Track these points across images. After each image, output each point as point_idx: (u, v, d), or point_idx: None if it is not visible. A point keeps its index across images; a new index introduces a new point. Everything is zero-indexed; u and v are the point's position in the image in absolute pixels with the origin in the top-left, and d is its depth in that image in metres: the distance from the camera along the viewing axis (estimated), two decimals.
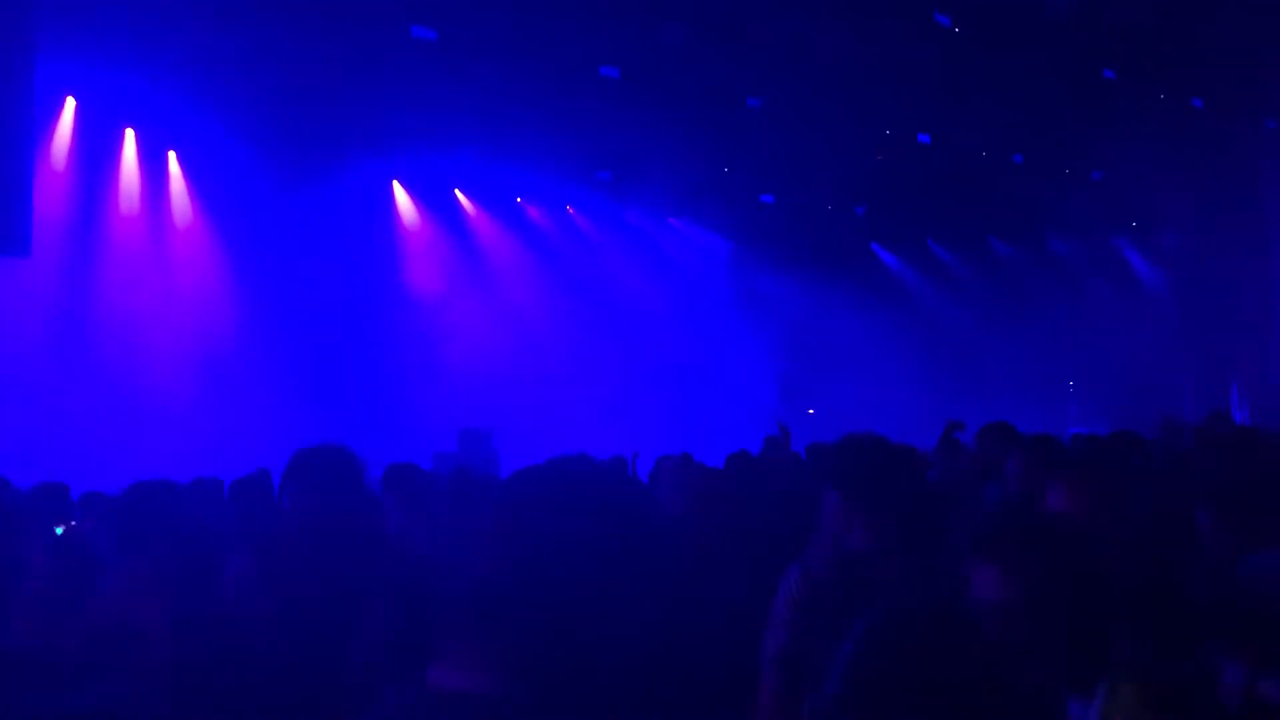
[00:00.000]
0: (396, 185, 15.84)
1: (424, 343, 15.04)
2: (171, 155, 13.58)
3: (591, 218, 17.79)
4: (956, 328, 19.10)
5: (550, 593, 1.35)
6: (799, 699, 2.76)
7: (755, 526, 3.99)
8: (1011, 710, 1.54)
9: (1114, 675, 1.90)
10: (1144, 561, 2.79)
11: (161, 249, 13.46)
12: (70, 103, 12.37)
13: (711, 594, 3.46)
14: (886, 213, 18.62)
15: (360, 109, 13.04)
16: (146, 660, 2.77)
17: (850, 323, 17.51)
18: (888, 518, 2.89)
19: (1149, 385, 16.24)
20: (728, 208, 17.82)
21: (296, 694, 2.69)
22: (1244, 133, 15.44)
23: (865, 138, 15.46)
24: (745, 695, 2.93)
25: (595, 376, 15.94)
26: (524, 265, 16.84)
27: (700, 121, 14.15)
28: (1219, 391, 16.40)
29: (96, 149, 12.77)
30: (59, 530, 5.07)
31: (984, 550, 1.98)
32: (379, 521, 3.60)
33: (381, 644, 2.72)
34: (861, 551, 2.88)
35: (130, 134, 13.14)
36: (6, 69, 9.56)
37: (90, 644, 2.81)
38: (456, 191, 16.48)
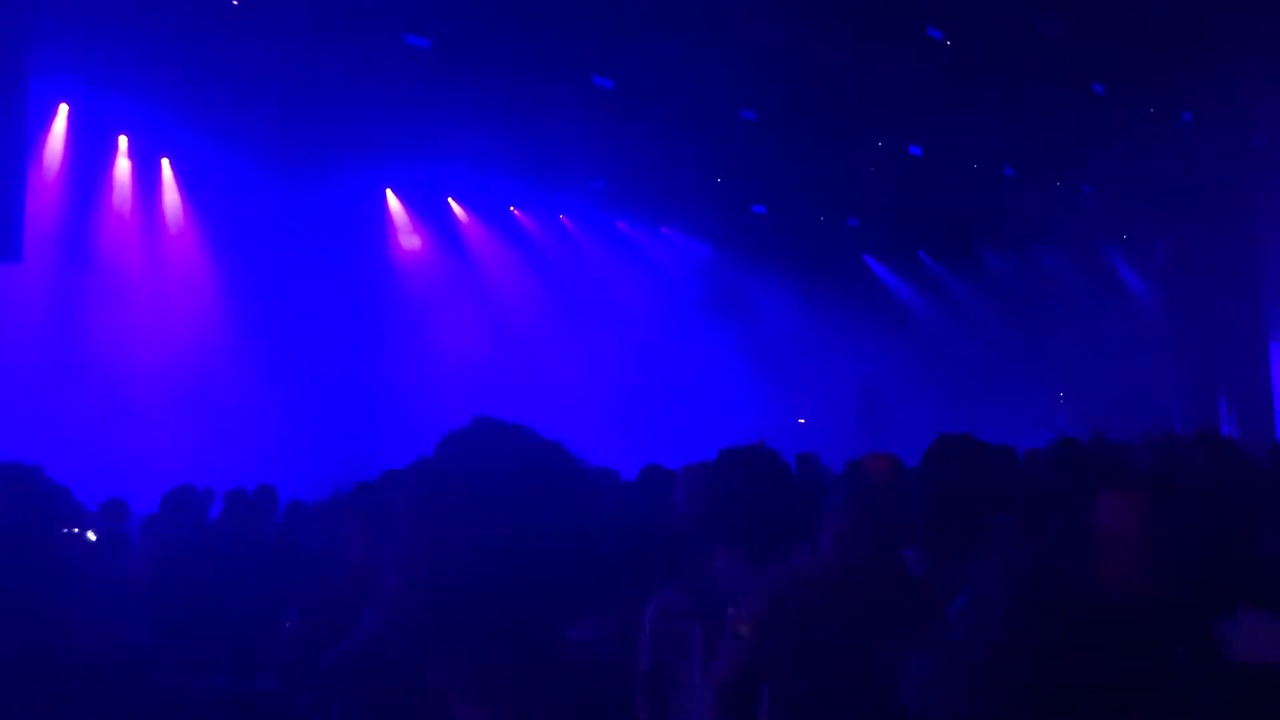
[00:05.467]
0: (390, 194, 15.85)
1: (417, 351, 15.04)
2: (164, 162, 13.57)
3: (584, 227, 17.82)
4: (947, 338, 19.16)
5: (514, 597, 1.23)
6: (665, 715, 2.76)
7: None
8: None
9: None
10: None
11: (154, 255, 13.44)
12: (63, 109, 12.36)
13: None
14: (878, 224, 18.67)
15: (354, 117, 13.05)
16: None
17: (841, 333, 17.54)
18: (754, 542, 2.77)
19: (1138, 397, 16.29)
20: (720, 218, 17.86)
21: None
22: (1233, 147, 15.52)
23: (857, 150, 15.51)
24: None
25: (588, 385, 15.95)
26: (517, 274, 16.86)
27: (693, 132, 14.19)
28: (1207, 404, 16.47)
29: (89, 155, 12.76)
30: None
31: (1120, 481, 2.19)
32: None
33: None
34: (722, 578, 2.81)
35: (123, 140, 13.14)
36: None
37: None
38: (450, 200, 16.50)
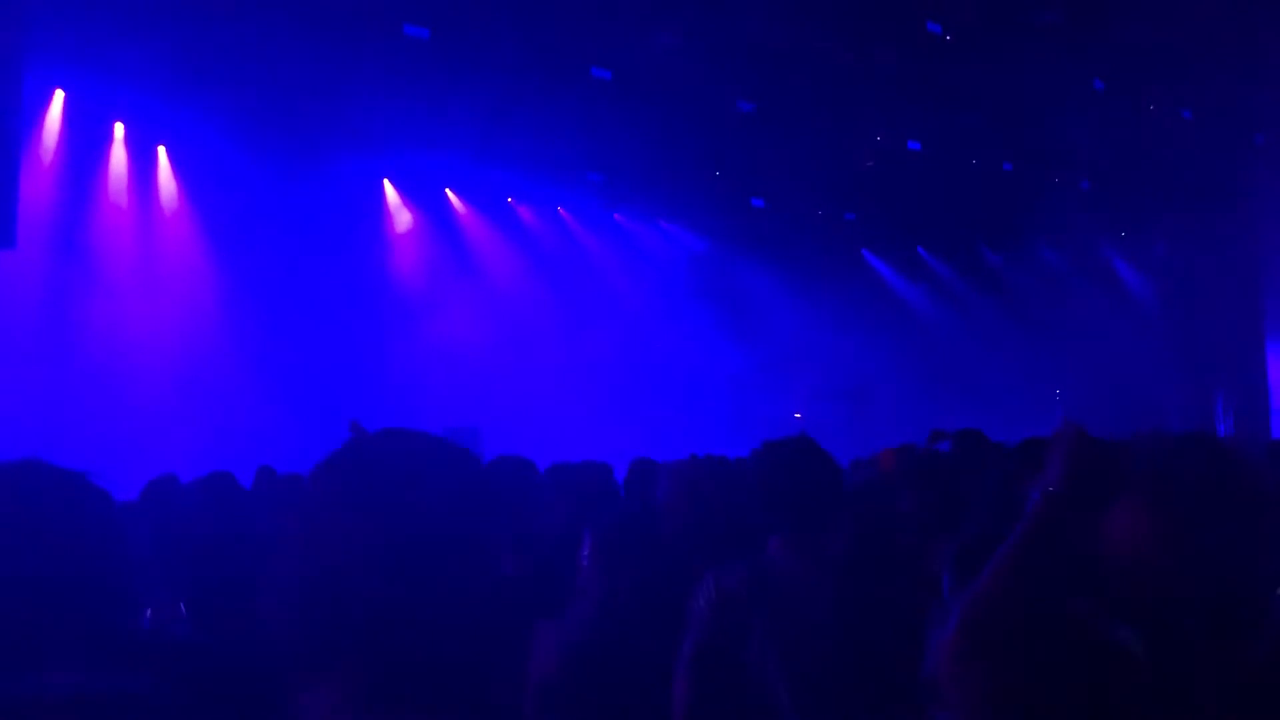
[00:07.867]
0: (387, 184, 15.80)
1: (412, 342, 15.01)
2: (161, 150, 13.52)
3: (582, 219, 17.79)
4: (945, 334, 19.16)
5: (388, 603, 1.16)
6: (717, 701, 2.75)
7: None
8: None
9: None
10: None
11: (149, 243, 13.40)
12: (59, 95, 12.30)
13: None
14: (877, 219, 18.66)
15: (351, 106, 13.02)
16: None
17: (838, 327, 17.53)
18: (804, 531, 2.85)
19: (1135, 394, 16.29)
20: (718, 212, 17.84)
21: None
22: (1232, 145, 15.52)
23: (856, 144, 15.49)
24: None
25: (583, 377, 15.93)
26: (514, 265, 16.82)
27: (691, 125, 14.17)
28: (1204, 401, 16.49)
29: (85, 142, 12.70)
30: None
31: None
32: None
33: None
34: (778, 563, 2.87)
35: (119, 128, 13.08)
36: None
37: None
38: (447, 191, 16.46)
